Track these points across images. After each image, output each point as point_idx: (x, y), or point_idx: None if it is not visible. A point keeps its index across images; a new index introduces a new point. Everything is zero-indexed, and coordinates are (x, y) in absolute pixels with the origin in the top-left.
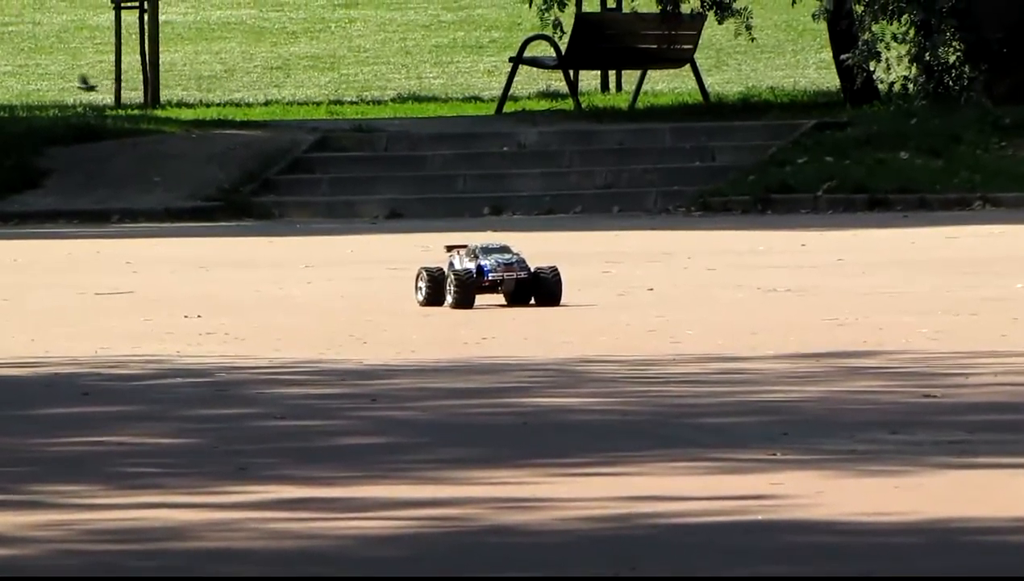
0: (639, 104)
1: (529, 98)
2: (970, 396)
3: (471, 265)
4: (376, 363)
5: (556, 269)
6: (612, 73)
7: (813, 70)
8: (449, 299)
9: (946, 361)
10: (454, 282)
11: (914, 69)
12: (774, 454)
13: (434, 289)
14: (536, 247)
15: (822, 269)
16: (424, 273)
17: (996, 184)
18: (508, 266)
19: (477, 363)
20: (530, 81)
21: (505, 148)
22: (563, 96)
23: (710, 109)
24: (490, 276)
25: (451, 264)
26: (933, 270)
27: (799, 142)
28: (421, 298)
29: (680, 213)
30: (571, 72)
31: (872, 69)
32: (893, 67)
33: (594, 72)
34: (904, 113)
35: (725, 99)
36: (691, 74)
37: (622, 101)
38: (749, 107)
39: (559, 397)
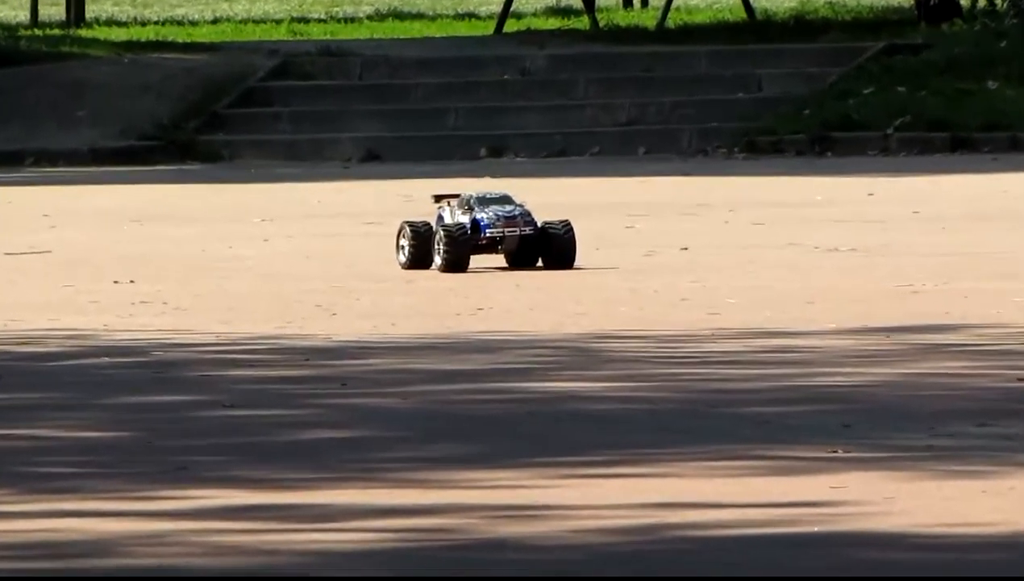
0: (669, 22)
1: (535, 15)
2: None
3: (464, 219)
4: (347, 339)
5: (568, 224)
6: None
7: None
8: (438, 260)
9: None
10: (444, 239)
11: None
12: (834, 451)
13: (419, 248)
14: (544, 197)
15: (893, 223)
16: (407, 228)
17: None
18: (510, 220)
19: (471, 339)
20: None
21: (506, 76)
22: (577, 12)
23: (756, 28)
24: (488, 232)
25: (440, 218)
26: None
27: (864, 68)
28: (404, 259)
29: (720, 155)
30: None
31: None
32: None
33: None
34: (992, 34)
35: (774, 16)
36: None
37: (649, 19)
38: (803, 26)
39: (571, 381)
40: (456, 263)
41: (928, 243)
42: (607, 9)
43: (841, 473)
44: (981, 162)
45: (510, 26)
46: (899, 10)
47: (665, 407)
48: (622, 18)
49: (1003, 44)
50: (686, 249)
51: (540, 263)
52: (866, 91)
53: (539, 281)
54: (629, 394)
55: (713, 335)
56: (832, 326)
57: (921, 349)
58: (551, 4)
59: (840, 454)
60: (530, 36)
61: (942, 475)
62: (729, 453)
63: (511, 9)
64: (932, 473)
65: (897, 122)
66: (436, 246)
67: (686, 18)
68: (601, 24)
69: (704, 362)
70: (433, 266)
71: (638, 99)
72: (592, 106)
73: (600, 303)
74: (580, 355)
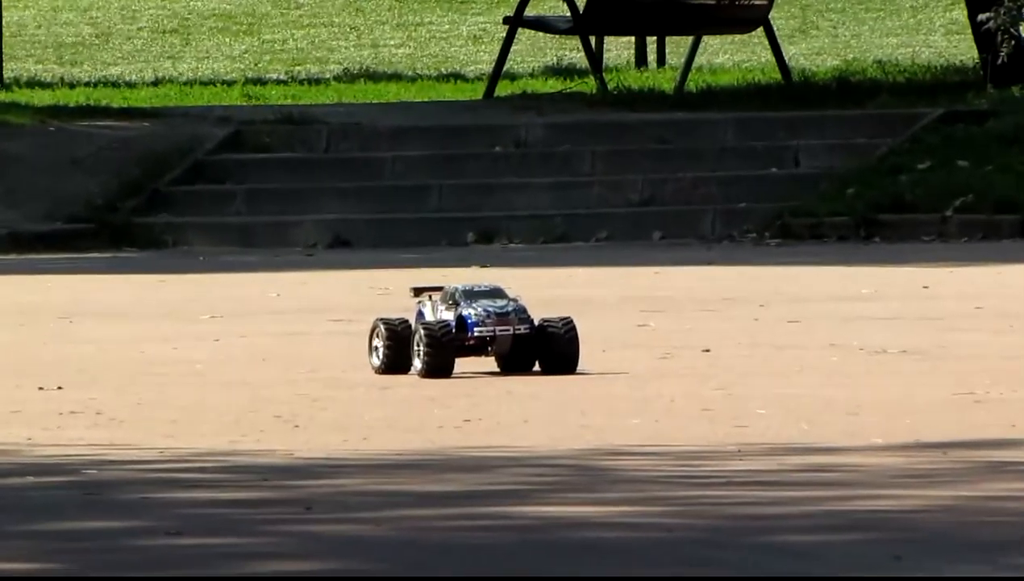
0: (690, 84)
1: (533, 76)
2: None
3: (449, 315)
4: (313, 456)
5: (570, 322)
6: (651, 40)
7: (940, 36)
8: (418, 364)
9: None
10: (424, 339)
11: None
12: None
13: (396, 349)
14: (542, 291)
15: (951, 322)
16: (382, 327)
17: None
18: (502, 317)
19: (456, 456)
20: (534, 51)
21: (498, 148)
22: (581, 73)
23: (792, 92)
24: (476, 331)
25: (420, 314)
26: None
27: (920, 140)
28: (378, 362)
29: (749, 241)
30: (593, 38)
31: (1023, 34)
32: None
33: (625, 39)
34: None
35: (814, 77)
36: (764, 41)
37: (666, 81)
38: (848, 89)
39: (574, 505)
40: (439, 367)
41: (992, 344)
42: (616, 69)
43: None
44: None
45: (502, 89)
46: (961, 70)
47: (683, 535)
48: (634, 80)
49: None
50: (708, 351)
51: (537, 367)
52: (921, 166)
53: (535, 388)
54: (641, 520)
55: (740, 452)
56: (879, 441)
57: (983, 468)
58: (550, 63)
59: None
60: (526, 101)
61: None
62: None
63: (504, 68)
64: None
65: (958, 202)
66: (415, 347)
67: (710, 80)
68: (610, 87)
69: (729, 483)
70: (412, 371)
71: (653, 175)
72: (599, 183)
73: (607, 414)
74: (583, 475)
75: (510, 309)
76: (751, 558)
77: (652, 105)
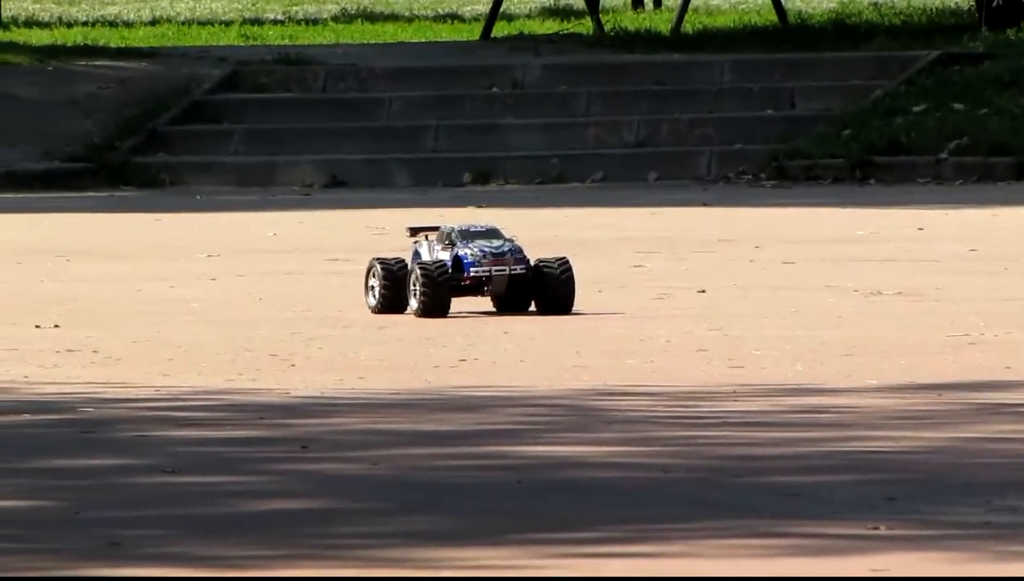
0: (686, 26)
1: (530, 17)
2: None
3: (445, 255)
4: (308, 395)
5: (566, 262)
6: None
7: None
8: (413, 303)
9: None
10: (420, 279)
11: None
12: (875, 528)
13: (392, 289)
14: (538, 231)
15: (946, 263)
16: (378, 267)
17: None
18: (498, 257)
19: (452, 396)
20: None
21: (495, 88)
22: (578, 14)
23: (789, 34)
24: (472, 270)
25: (416, 254)
26: None
27: (915, 82)
28: (374, 302)
29: (744, 182)
30: None
31: None
32: None
33: None
34: None
35: (810, 19)
36: None
37: (662, 22)
38: (844, 31)
39: (568, 444)
40: (435, 307)
41: (987, 286)
42: (613, 10)
43: (883, 554)
44: None
45: (499, 30)
46: (956, 13)
47: (679, 475)
48: (631, 21)
49: None
50: (704, 291)
51: (533, 307)
52: (917, 108)
53: (531, 328)
54: (636, 460)
55: (735, 392)
56: (874, 382)
57: (977, 409)
58: (548, 4)
59: (882, 531)
60: (523, 42)
61: (1001, 556)
62: (753, 529)
63: (501, 9)
64: (989, 554)
65: (952, 145)
66: (412, 287)
67: (706, 21)
68: (606, 28)
69: (724, 424)
70: (408, 310)
71: (649, 116)
72: (595, 124)
73: (602, 354)
74: (579, 415)
75: (506, 249)
76: (746, 499)
77: (649, 46)
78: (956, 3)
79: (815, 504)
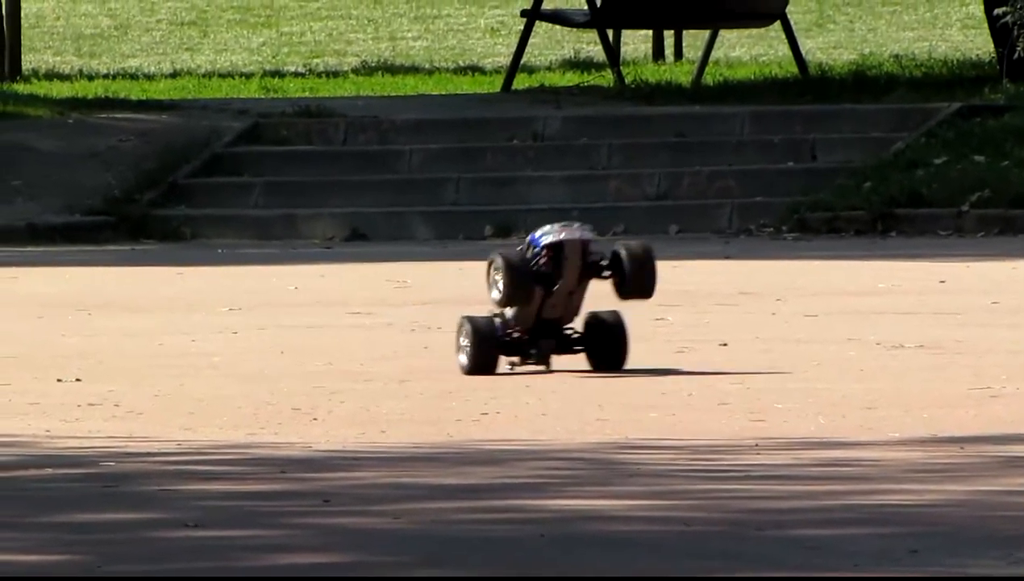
0: (707, 78)
1: (551, 69)
2: None
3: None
4: (330, 449)
5: (648, 246)
6: (669, 34)
7: (957, 30)
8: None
9: None
10: (506, 271)
11: None
12: None
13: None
14: None
15: (968, 316)
16: (467, 325)
17: None
18: (565, 226)
19: (473, 449)
20: (552, 44)
21: (515, 141)
22: (599, 66)
23: (809, 86)
24: (542, 240)
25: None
26: None
27: (936, 134)
28: (465, 361)
29: (766, 235)
30: (610, 32)
31: None
32: None
33: (643, 32)
34: None
35: (830, 72)
36: (781, 35)
37: (683, 74)
38: (864, 83)
39: (590, 498)
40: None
41: (1009, 338)
42: (634, 62)
43: None
44: None
45: (520, 82)
46: (977, 65)
47: (701, 529)
48: (651, 73)
49: None
50: (726, 345)
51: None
52: (937, 161)
53: (553, 383)
54: (658, 514)
55: (757, 445)
56: (896, 436)
57: (1000, 462)
58: (568, 56)
59: None
60: (543, 94)
61: None
62: None
63: (522, 61)
64: None
65: (974, 197)
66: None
67: (727, 73)
68: (627, 80)
69: (747, 477)
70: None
71: (670, 168)
72: (616, 176)
73: (624, 408)
74: (601, 468)
75: (575, 225)
76: (768, 552)
77: (669, 98)
78: (977, 55)
79: (837, 557)
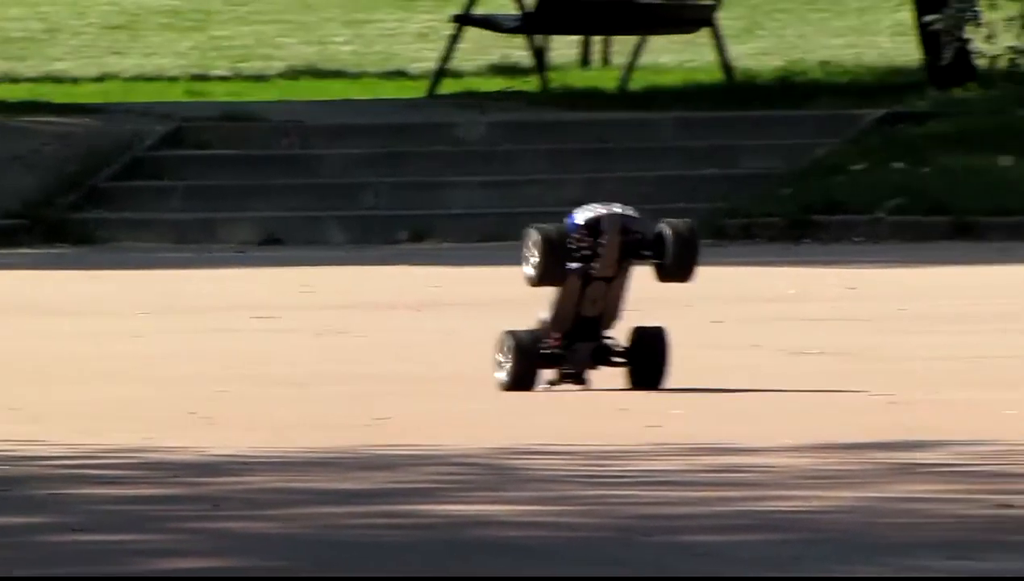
0: (633, 84)
1: (477, 74)
2: None
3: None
4: (224, 453)
5: (691, 222)
6: (597, 40)
7: (886, 37)
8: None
9: None
10: (540, 244)
11: None
12: None
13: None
14: (470, 288)
15: (876, 323)
16: (536, 234)
17: None
18: (604, 204)
19: (367, 454)
20: (480, 50)
21: (438, 146)
22: (526, 71)
23: (734, 92)
24: (576, 218)
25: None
26: None
27: (859, 141)
28: (505, 378)
29: None
30: (537, 37)
31: (968, 36)
32: (999, 34)
33: (571, 38)
34: (1011, 100)
35: (757, 77)
36: (710, 41)
37: (610, 80)
38: (790, 89)
39: (480, 503)
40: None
41: (916, 345)
42: (561, 68)
43: None
44: (985, 252)
45: (446, 87)
46: (904, 72)
47: (592, 535)
48: (577, 79)
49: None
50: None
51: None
52: (856, 167)
53: (452, 388)
54: (550, 519)
55: (651, 452)
56: (790, 442)
57: (891, 469)
58: (495, 61)
59: None
60: (469, 99)
61: None
62: None
63: (448, 66)
64: None
65: (892, 204)
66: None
67: (653, 80)
68: (552, 85)
69: (639, 483)
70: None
71: (592, 173)
72: (539, 182)
73: (520, 414)
74: (493, 473)
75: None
76: (657, 558)
77: (594, 104)
78: (904, 62)
79: (725, 563)
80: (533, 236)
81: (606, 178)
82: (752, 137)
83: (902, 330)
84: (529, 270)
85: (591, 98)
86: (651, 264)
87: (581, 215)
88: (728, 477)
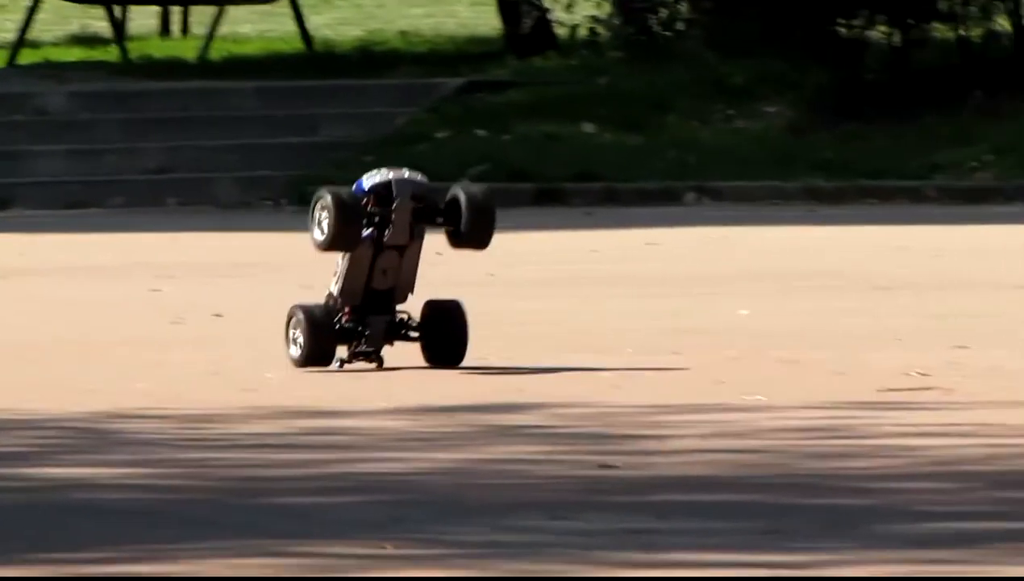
0: (213, 53)
1: (57, 44)
2: (663, 468)
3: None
4: None
5: (489, 191)
6: (176, 10)
7: (465, 7)
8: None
9: (634, 418)
10: (334, 208)
11: (607, 7)
12: (383, 547)
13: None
14: (52, 256)
15: (467, 289)
16: (299, 313)
17: (716, 169)
18: (393, 168)
19: None
20: (59, 20)
21: (18, 116)
22: (105, 42)
23: (314, 61)
24: (366, 183)
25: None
26: (625, 290)
27: (439, 109)
28: (297, 353)
29: (267, 207)
30: (116, 8)
31: (547, 7)
32: (578, 4)
33: (152, 8)
34: (591, 69)
35: (336, 47)
36: (289, 12)
37: (189, 49)
38: (370, 59)
39: (79, 466)
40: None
41: (504, 311)
42: (141, 38)
43: (388, 572)
44: (572, 217)
45: (25, 57)
46: (484, 41)
47: (187, 497)
48: (157, 49)
49: (603, 81)
50: (220, 315)
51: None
52: (440, 135)
53: (36, 353)
54: (146, 482)
55: (249, 415)
56: (384, 405)
57: (489, 431)
58: (75, 32)
59: (390, 551)
60: (48, 69)
61: (508, 574)
62: (260, 549)
63: (27, 36)
64: (497, 572)
65: (474, 171)
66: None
67: (233, 49)
68: (133, 56)
69: (234, 446)
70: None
71: (171, 142)
72: (117, 151)
73: (116, 378)
74: (89, 437)
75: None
76: (253, 518)
77: (175, 74)
78: (485, 32)
79: (322, 525)
80: (324, 198)
81: (187, 146)
82: (333, 106)
83: (489, 294)
84: (318, 234)
85: (171, 68)
86: (445, 230)
87: (368, 180)
88: (324, 440)
